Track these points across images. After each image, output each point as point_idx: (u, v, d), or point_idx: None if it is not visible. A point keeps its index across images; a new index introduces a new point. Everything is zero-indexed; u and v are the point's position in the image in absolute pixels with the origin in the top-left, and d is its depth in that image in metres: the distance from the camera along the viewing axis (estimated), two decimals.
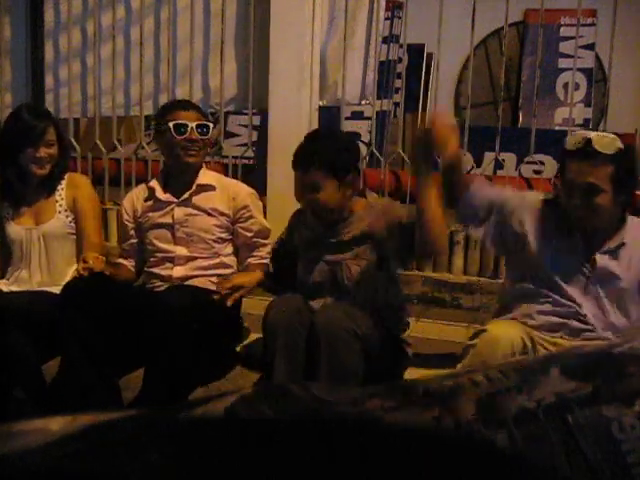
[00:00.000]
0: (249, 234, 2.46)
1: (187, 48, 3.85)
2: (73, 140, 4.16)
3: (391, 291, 2.26)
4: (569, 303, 2.03)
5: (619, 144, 1.93)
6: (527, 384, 0.99)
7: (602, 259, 2.04)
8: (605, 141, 1.92)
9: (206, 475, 0.82)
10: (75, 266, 2.46)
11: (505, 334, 1.95)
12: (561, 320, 2.04)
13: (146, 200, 2.47)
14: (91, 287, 2.18)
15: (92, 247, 2.34)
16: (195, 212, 2.41)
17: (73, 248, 2.48)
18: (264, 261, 2.47)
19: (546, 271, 2.06)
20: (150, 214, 2.45)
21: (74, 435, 0.87)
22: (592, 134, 1.93)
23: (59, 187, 2.47)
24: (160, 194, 2.42)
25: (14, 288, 2.46)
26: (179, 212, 2.41)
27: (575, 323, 2.03)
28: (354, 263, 2.19)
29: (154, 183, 2.47)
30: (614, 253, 2.04)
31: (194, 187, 2.41)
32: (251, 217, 2.46)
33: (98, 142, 4.08)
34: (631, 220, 2.07)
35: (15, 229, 2.44)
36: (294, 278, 2.32)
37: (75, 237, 2.47)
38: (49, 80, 4.22)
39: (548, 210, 2.10)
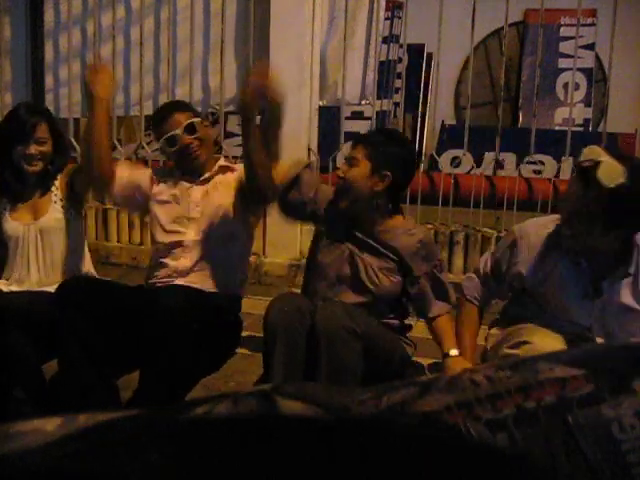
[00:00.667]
0: None
1: (187, 48, 3.86)
2: (73, 140, 4.16)
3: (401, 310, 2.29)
4: (577, 329, 1.98)
5: (622, 179, 1.75)
6: (527, 384, 0.99)
7: (609, 288, 1.95)
8: (610, 171, 1.75)
9: (206, 475, 0.82)
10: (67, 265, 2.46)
11: (550, 346, 1.85)
12: (570, 337, 2.00)
13: (165, 176, 2.45)
14: (88, 286, 2.17)
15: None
16: (212, 189, 2.38)
17: (71, 242, 2.48)
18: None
19: (550, 299, 2.01)
20: (166, 189, 2.41)
21: (74, 435, 0.87)
22: (605, 157, 1.77)
23: (55, 182, 2.47)
24: (178, 175, 2.41)
25: (14, 288, 2.46)
26: (197, 190, 2.38)
27: (583, 341, 2.00)
28: (381, 273, 2.19)
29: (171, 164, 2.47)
30: (621, 283, 1.95)
31: (217, 167, 2.40)
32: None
33: None
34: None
35: (12, 225, 2.43)
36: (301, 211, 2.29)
37: (75, 231, 2.47)
38: (49, 80, 4.22)
39: (551, 235, 2.00)
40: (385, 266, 2.19)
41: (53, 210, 2.42)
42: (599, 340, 1.97)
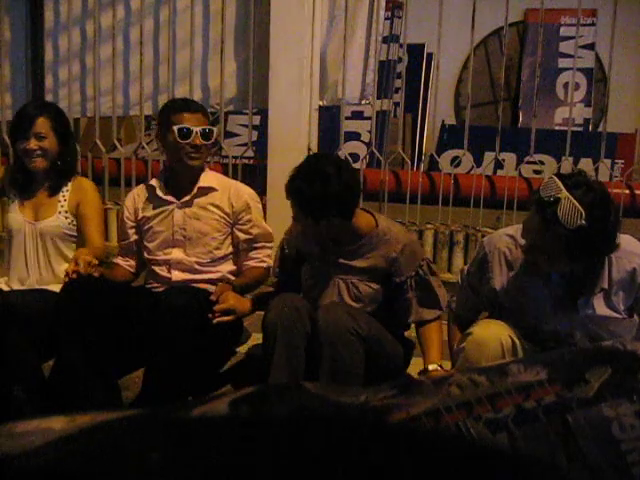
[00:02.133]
0: (249, 236, 2.44)
1: (187, 48, 3.85)
2: None
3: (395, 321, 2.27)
4: (559, 336, 1.98)
5: (582, 221, 1.72)
6: (527, 384, 0.99)
7: (583, 305, 1.95)
8: (569, 212, 1.72)
9: (206, 475, 0.82)
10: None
11: (493, 334, 1.90)
12: (552, 345, 1.99)
13: (147, 200, 2.46)
14: (90, 287, 2.17)
15: (93, 251, 2.33)
16: (195, 215, 2.39)
17: (69, 250, 2.47)
18: (264, 264, 2.46)
19: (527, 312, 1.99)
20: (150, 214, 2.44)
21: (74, 435, 0.87)
22: (564, 194, 1.73)
23: (64, 189, 2.46)
24: (161, 194, 2.41)
25: (14, 287, 2.46)
26: (179, 214, 2.39)
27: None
28: (363, 284, 2.19)
29: (155, 182, 2.45)
30: (595, 298, 1.95)
31: (195, 190, 2.40)
32: (250, 220, 2.44)
33: (98, 142, 4.08)
34: (617, 258, 1.92)
35: (17, 218, 2.44)
36: (298, 285, 2.32)
37: (73, 239, 2.46)
38: (49, 80, 4.21)
39: (520, 251, 1.97)
40: (367, 277, 2.18)
41: (56, 218, 2.43)
42: (581, 344, 1.95)
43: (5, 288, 2.44)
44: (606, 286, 1.93)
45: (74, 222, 2.44)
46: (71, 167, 2.50)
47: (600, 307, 1.95)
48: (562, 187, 1.75)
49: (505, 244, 2.03)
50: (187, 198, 2.39)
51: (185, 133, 2.32)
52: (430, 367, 2.07)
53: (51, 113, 2.42)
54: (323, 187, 2.03)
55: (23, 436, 0.88)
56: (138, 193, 2.51)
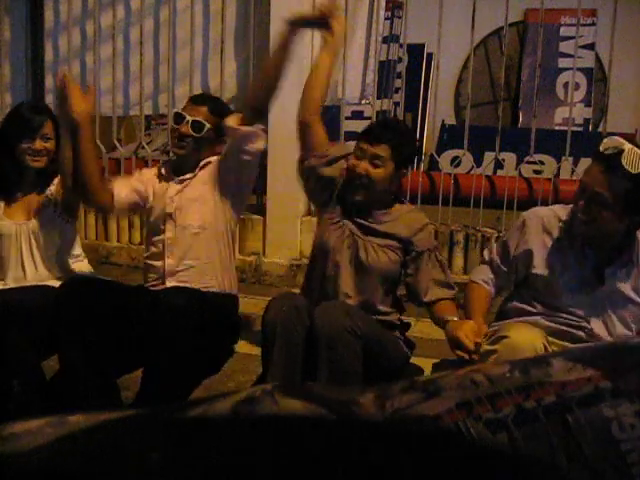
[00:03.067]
0: (237, 132, 2.30)
1: (187, 48, 3.86)
2: None
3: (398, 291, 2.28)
4: (574, 318, 2.00)
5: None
6: (527, 384, 0.99)
7: (610, 276, 1.99)
8: (634, 158, 1.83)
9: (206, 475, 0.82)
10: (70, 261, 2.48)
11: (528, 341, 1.89)
12: (566, 329, 2.02)
13: (154, 179, 2.48)
14: (90, 287, 2.17)
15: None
16: (187, 186, 2.39)
17: (64, 242, 2.49)
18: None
19: (553, 284, 2.02)
20: (152, 192, 2.45)
21: (73, 435, 0.87)
22: (628, 146, 1.84)
23: (51, 186, 2.48)
24: (164, 172, 2.43)
25: (10, 284, 2.46)
26: (173, 188, 2.39)
27: (580, 333, 2.01)
28: (382, 250, 2.21)
29: (163, 167, 2.48)
30: (622, 272, 2.00)
31: (197, 170, 2.40)
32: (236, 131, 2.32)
33: (98, 142, 4.08)
34: None
35: (6, 223, 2.45)
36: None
37: (64, 229, 2.48)
38: (49, 80, 4.22)
39: (559, 225, 2.05)
40: (386, 244, 2.21)
41: (46, 213, 2.44)
42: (596, 330, 1.99)
43: (2, 287, 2.44)
44: (635, 259, 1.99)
45: (64, 214, 2.45)
46: (58, 167, 2.52)
47: (625, 285, 2.00)
48: (624, 141, 1.87)
49: (546, 214, 2.10)
50: (187, 176, 2.39)
51: (178, 119, 2.36)
52: (449, 318, 2.08)
53: (53, 115, 2.47)
54: (412, 138, 2.38)
55: (23, 436, 0.88)
56: (154, 171, 2.51)
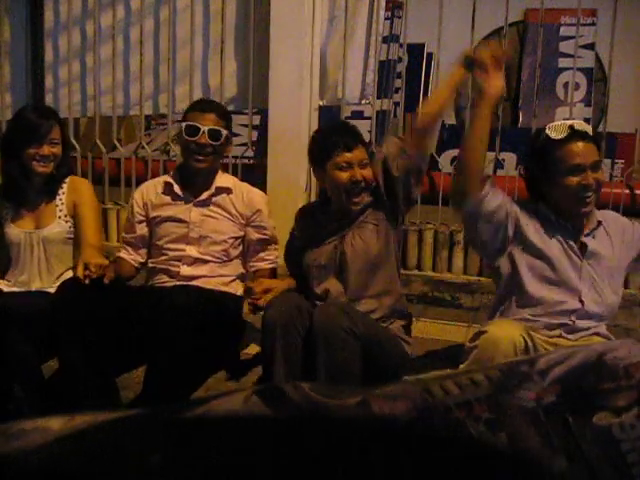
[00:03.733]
0: (263, 236, 2.47)
1: (187, 48, 3.86)
2: (73, 140, 4.16)
3: (392, 260, 2.27)
4: (563, 299, 2.07)
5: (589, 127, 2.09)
6: (527, 384, 0.99)
7: (589, 241, 2.12)
8: (583, 125, 2.08)
9: (206, 475, 0.82)
10: (72, 270, 2.46)
11: (506, 334, 1.95)
12: (555, 321, 2.05)
13: (161, 195, 2.46)
14: (90, 287, 2.17)
15: (92, 251, 2.32)
16: (212, 214, 2.41)
17: (70, 252, 2.47)
18: (274, 265, 2.50)
19: (545, 255, 2.11)
20: (164, 209, 2.44)
21: (73, 435, 0.87)
22: (567, 122, 2.07)
23: (60, 191, 2.46)
24: (178, 190, 2.42)
25: (15, 289, 2.46)
26: (196, 212, 2.40)
27: (573, 318, 2.05)
28: (357, 233, 2.23)
29: (170, 178, 2.47)
30: (595, 234, 2.14)
31: (213, 189, 2.41)
32: (263, 222, 2.47)
33: (98, 142, 4.08)
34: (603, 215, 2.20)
35: (14, 232, 2.43)
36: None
37: (74, 242, 2.46)
38: (49, 80, 4.22)
39: (533, 206, 2.17)
40: (358, 222, 2.25)
41: (57, 224, 2.42)
42: (589, 304, 2.08)
43: (5, 289, 2.44)
44: (599, 219, 2.14)
45: (73, 224, 2.44)
46: (67, 169, 2.50)
47: (603, 248, 2.13)
48: (555, 122, 2.16)
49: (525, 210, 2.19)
50: (204, 197, 2.40)
51: (192, 131, 2.33)
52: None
53: (59, 120, 2.45)
54: (346, 124, 2.37)
55: (22, 436, 0.88)
56: (148, 188, 2.51)
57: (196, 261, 2.40)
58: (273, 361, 2.04)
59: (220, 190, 2.42)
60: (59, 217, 2.43)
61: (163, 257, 2.43)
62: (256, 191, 2.53)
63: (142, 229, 2.47)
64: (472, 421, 0.91)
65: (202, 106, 2.44)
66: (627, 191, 4.52)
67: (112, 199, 4.17)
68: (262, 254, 2.48)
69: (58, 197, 2.45)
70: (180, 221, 2.40)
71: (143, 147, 4.11)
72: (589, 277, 2.11)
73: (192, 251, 2.40)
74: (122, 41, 4.04)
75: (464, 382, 0.99)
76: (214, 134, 2.34)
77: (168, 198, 2.44)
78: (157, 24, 3.99)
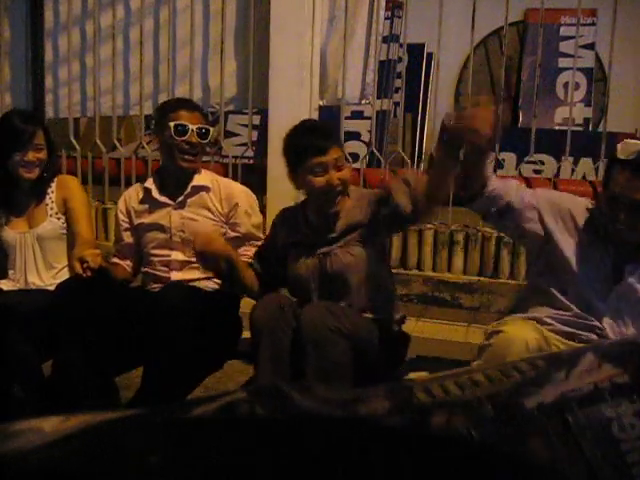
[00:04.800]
0: (236, 234, 2.42)
1: (187, 48, 3.86)
2: (73, 140, 4.16)
3: (383, 274, 2.24)
4: (586, 316, 1.98)
5: None
6: (527, 384, 0.99)
7: (629, 274, 1.97)
8: None
9: (205, 475, 0.82)
10: (67, 264, 2.47)
11: (520, 335, 1.91)
12: (575, 331, 2.00)
13: (142, 201, 2.44)
14: (85, 285, 2.17)
15: (84, 245, 2.33)
16: (192, 216, 2.38)
17: (68, 248, 2.48)
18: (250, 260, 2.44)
19: (571, 275, 2.00)
20: (146, 216, 2.42)
21: (73, 435, 0.87)
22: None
23: (49, 190, 2.47)
24: (156, 195, 2.40)
25: (14, 289, 2.46)
26: (175, 216, 2.38)
27: (590, 335, 1.98)
28: (344, 251, 2.17)
29: (150, 183, 2.44)
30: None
31: (189, 189, 2.38)
32: (237, 218, 2.41)
33: (98, 142, 4.08)
34: None
35: (9, 234, 2.45)
36: (279, 279, 2.30)
37: (69, 237, 2.47)
38: (49, 80, 4.22)
39: (586, 217, 2.03)
40: (343, 242, 2.18)
41: (49, 222, 2.44)
42: (608, 331, 1.97)
43: (4, 287, 2.44)
44: None
45: (65, 220, 2.46)
46: (53, 171, 2.51)
47: None
48: (638, 142, 1.85)
49: (573, 205, 2.06)
50: (181, 198, 2.38)
51: (181, 130, 2.31)
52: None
53: (44, 124, 2.47)
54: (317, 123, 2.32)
55: (22, 436, 0.88)
56: (130, 195, 2.49)
57: (184, 265, 2.38)
58: (260, 360, 2.04)
59: (196, 189, 2.39)
60: (50, 215, 2.44)
61: (152, 264, 2.42)
62: (236, 185, 2.49)
63: (128, 237, 2.46)
64: (472, 421, 0.91)
65: (186, 105, 2.41)
66: None
67: (112, 199, 4.16)
68: (240, 250, 2.42)
69: (48, 196, 2.46)
70: (161, 227, 2.39)
71: (143, 147, 4.11)
72: (615, 308, 1.97)
73: (178, 255, 2.38)
74: (122, 41, 4.04)
75: (464, 382, 0.99)
76: (202, 133, 2.34)
77: (147, 205, 2.42)
78: (157, 24, 3.99)
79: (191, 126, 2.31)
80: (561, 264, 2.03)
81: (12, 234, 2.44)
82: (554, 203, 2.07)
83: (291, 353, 2.04)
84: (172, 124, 2.30)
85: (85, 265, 2.09)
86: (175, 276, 2.39)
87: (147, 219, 2.41)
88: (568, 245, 2.02)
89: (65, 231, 2.46)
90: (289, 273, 2.25)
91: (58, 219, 2.45)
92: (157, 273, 2.41)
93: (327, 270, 2.16)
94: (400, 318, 2.30)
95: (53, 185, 2.48)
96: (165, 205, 2.39)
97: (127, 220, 2.46)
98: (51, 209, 2.45)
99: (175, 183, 2.40)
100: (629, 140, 1.86)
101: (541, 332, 1.96)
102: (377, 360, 2.13)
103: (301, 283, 2.21)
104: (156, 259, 2.41)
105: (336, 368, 1.98)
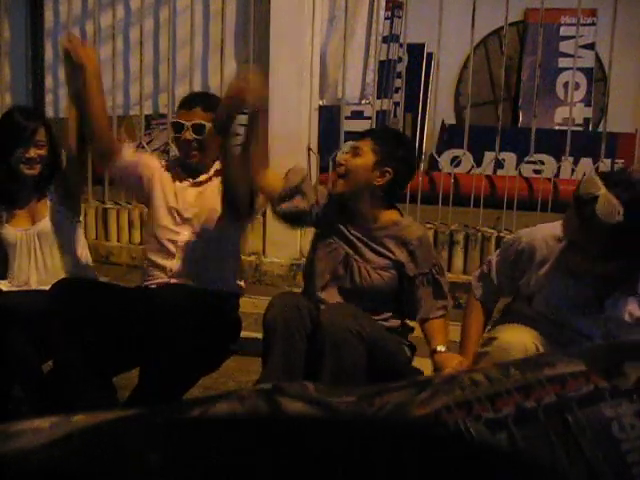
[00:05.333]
0: None
1: (187, 48, 3.86)
2: None
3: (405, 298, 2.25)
4: (576, 336, 1.96)
5: (620, 218, 1.70)
6: (527, 384, 0.99)
7: (611, 306, 1.91)
8: (607, 208, 1.71)
9: (206, 475, 0.82)
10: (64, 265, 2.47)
11: (518, 340, 1.90)
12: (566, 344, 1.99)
13: (166, 168, 2.46)
14: (81, 286, 2.16)
15: None
16: (207, 191, 2.39)
17: (70, 244, 2.48)
18: None
19: (555, 310, 1.98)
20: (163, 185, 2.42)
21: (74, 435, 0.87)
22: (602, 192, 1.71)
23: (51, 188, 2.48)
24: (180, 170, 2.42)
25: (14, 289, 2.46)
26: (191, 192, 2.39)
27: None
28: (375, 272, 2.18)
29: (174, 165, 2.47)
30: (625, 301, 1.90)
31: (212, 172, 2.40)
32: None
33: None
34: None
35: (10, 231, 2.44)
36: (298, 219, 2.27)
37: (69, 231, 2.47)
38: (49, 80, 4.22)
39: (559, 245, 1.97)
40: (378, 263, 2.18)
41: (50, 215, 2.43)
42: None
43: (4, 287, 2.44)
44: (639, 291, 1.89)
45: (67, 213, 2.45)
46: (56, 169, 2.51)
47: (627, 312, 1.91)
48: (601, 185, 1.74)
49: (544, 241, 2.01)
50: (202, 178, 2.39)
51: (177, 128, 2.35)
52: (439, 348, 2.10)
53: (45, 121, 2.46)
54: (402, 144, 2.20)
55: (22, 436, 0.88)
56: (162, 164, 2.50)
57: (188, 247, 2.36)
58: (273, 361, 2.04)
59: (219, 172, 2.41)
60: (50, 207, 2.45)
61: (156, 238, 2.39)
62: None
63: (133, 156, 2.45)
64: (472, 421, 0.91)
65: (188, 101, 2.43)
66: None
67: (112, 199, 4.17)
68: None
69: (49, 193, 2.47)
70: (176, 199, 2.39)
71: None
72: (602, 330, 1.93)
73: (185, 235, 2.37)
74: (122, 41, 4.04)
75: (464, 382, 0.99)
76: (198, 129, 2.34)
77: (168, 175, 2.44)
78: (157, 24, 3.99)
79: (186, 123, 2.33)
80: (543, 299, 2.00)
81: (12, 231, 2.44)
82: (516, 261, 2.06)
83: (307, 353, 2.05)
84: (171, 122, 2.35)
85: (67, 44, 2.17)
86: (175, 265, 2.36)
87: (162, 189, 2.41)
88: (548, 277, 1.98)
89: (66, 225, 2.46)
90: (310, 256, 2.26)
91: (58, 211, 2.45)
92: (159, 261, 2.38)
93: (354, 278, 2.17)
94: (410, 327, 2.31)
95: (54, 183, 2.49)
96: (184, 179, 2.41)
97: (151, 165, 2.45)
98: (51, 200, 2.45)
99: (192, 169, 2.41)
100: (592, 178, 1.77)
101: (537, 336, 1.95)
102: (388, 366, 2.13)
103: (321, 272, 2.21)
104: (163, 235, 2.37)
105: (352, 370, 1.97)
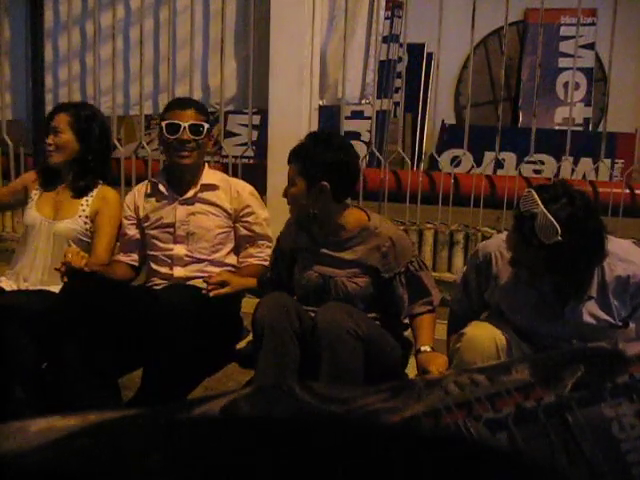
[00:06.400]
0: (250, 233, 2.45)
1: (187, 48, 3.85)
2: None
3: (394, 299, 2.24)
4: (548, 339, 1.98)
5: (558, 237, 1.70)
6: (527, 384, 0.99)
7: (570, 312, 1.92)
8: (545, 228, 1.71)
9: (205, 475, 0.82)
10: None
11: (487, 334, 1.91)
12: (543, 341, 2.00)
13: (149, 195, 2.46)
14: (91, 287, 2.17)
15: (97, 260, 2.34)
16: (197, 210, 2.40)
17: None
18: (265, 263, 2.45)
19: (522, 320, 2.00)
20: (152, 210, 2.44)
21: (74, 435, 0.87)
22: (541, 211, 1.71)
23: (90, 194, 2.47)
24: (163, 189, 2.42)
25: (14, 286, 2.46)
26: (181, 210, 2.40)
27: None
28: (350, 281, 2.17)
29: (156, 178, 2.47)
30: (583, 306, 1.91)
31: (199, 186, 2.41)
32: (252, 217, 2.46)
33: None
34: (608, 265, 1.87)
35: (33, 214, 2.45)
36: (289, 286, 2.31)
37: (83, 245, 2.46)
38: (49, 80, 4.22)
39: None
40: (352, 271, 2.17)
41: (74, 222, 2.43)
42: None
43: (5, 286, 2.44)
44: (594, 294, 1.89)
45: (91, 229, 2.45)
46: (91, 168, 2.48)
47: (588, 315, 1.91)
48: (539, 201, 1.73)
49: (497, 248, 2.02)
50: (190, 194, 2.40)
51: (173, 129, 2.34)
52: (422, 348, 2.09)
53: (70, 110, 2.45)
54: (326, 149, 2.11)
55: (22, 436, 0.88)
56: (139, 189, 2.51)
57: (186, 260, 2.39)
58: (261, 360, 2.04)
59: (205, 187, 2.42)
60: (79, 215, 2.44)
61: (155, 259, 2.43)
62: (243, 185, 2.50)
63: (133, 231, 2.47)
64: (472, 421, 0.91)
65: (180, 103, 2.44)
66: (627, 191, 4.52)
67: None
68: (251, 250, 2.45)
69: (85, 198, 2.46)
70: (166, 220, 2.41)
71: (143, 147, 4.11)
72: (576, 331, 1.94)
73: (181, 250, 2.39)
74: (122, 41, 4.03)
75: (464, 382, 0.99)
76: (195, 129, 2.35)
77: (154, 199, 2.44)
78: (157, 24, 3.99)
79: (183, 124, 2.32)
80: (512, 310, 2.01)
81: (34, 215, 2.45)
82: (478, 274, 2.08)
83: (298, 352, 2.04)
84: (164, 123, 2.34)
85: (63, 261, 2.09)
86: (178, 272, 2.39)
87: (153, 213, 2.43)
88: (508, 292, 2.00)
89: (83, 238, 2.45)
90: (295, 280, 2.27)
91: (85, 223, 2.44)
92: (160, 270, 2.42)
93: (331, 293, 2.17)
94: (405, 325, 2.31)
95: (95, 192, 2.48)
96: (171, 199, 2.41)
97: (134, 215, 2.47)
98: (83, 210, 2.45)
99: (181, 179, 2.42)
100: (531, 195, 1.75)
101: (508, 332, 1.94)
102: (385, 365, 2.13)
103: (301, 294, 2.23)
104: (159, 254, 2.41)
105: (349, 369, 1.98)
